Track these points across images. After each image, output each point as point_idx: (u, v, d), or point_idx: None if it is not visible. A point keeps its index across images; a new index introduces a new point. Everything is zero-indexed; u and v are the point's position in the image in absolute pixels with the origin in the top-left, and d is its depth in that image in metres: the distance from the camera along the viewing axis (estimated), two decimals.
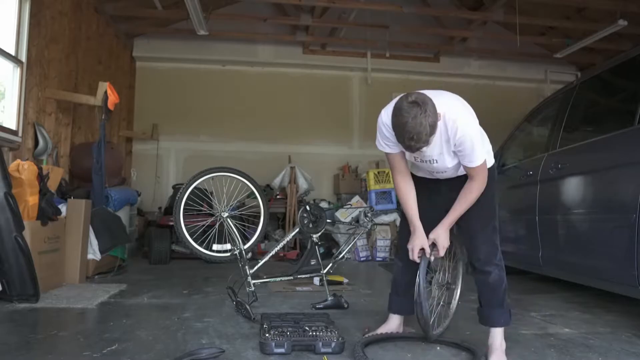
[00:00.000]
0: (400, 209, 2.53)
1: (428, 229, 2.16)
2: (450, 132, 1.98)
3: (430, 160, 2.13)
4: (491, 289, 2.15)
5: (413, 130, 1.83)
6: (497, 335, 2.12)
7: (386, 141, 2.12)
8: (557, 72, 8.08)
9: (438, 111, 1.90)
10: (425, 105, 1.84)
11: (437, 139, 1.99)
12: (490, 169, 2.17)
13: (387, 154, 2.20)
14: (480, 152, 2.03)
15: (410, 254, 2.17)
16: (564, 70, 8.13)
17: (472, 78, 8.22)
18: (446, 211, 2.16)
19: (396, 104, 1.90)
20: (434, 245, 2.16)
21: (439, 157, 2.10)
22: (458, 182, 2.17)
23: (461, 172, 2.17)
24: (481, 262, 2.16)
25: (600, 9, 6.45)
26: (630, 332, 2.57)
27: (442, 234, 2.13)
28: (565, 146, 3.32)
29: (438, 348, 2.21)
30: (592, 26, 6.55)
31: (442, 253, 2.16)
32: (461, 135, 1.97)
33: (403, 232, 2.36)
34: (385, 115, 2.05)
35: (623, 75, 3.09)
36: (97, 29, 6.06)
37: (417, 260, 2.15)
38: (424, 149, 1.96)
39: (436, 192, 2.28)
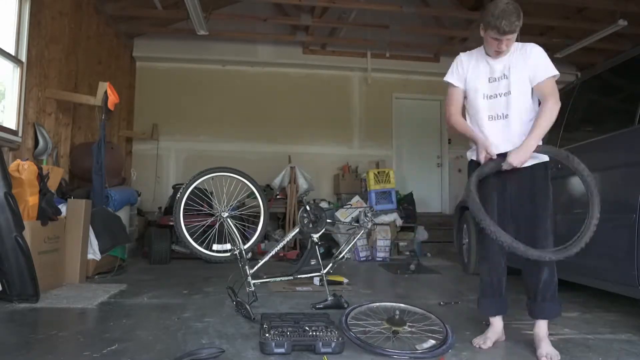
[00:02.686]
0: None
1: (501, 224, 2.23)
2: (526, 46, 2.33)
3: (503, 76, 2.31)
4: (547, 282, 2.29)
5: (507, 9, 2.15)
6: (543, 326, 2.25)
7: (460, 69, 2.42)
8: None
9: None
10: (515, 2, 2.21)
11: (513, 51, 2.32)
12: (545, 165, 2.33)
13: (452, 90, 2.43)
14: (552, 65, 2.32)
15: (482, 158, 2.26)
16: (564, 70, 8.10)
17: None
18: (513, 209, 2.34)
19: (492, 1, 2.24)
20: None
21: (511, 70, 2.29)
22: (521, 179, 2.29)
23: (526, 101, 2.32)
24: (540, 254, 2.21)
25: (600, 9, 6.45)
26: (630, 332, 2.57)
27: (524, 151, 2.21)
28: (565, 146, 3.32)
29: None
30: (592, 26, 6.56)
31: (518, 164, 2.20)
32: (534, 46, 2.33)
33: (481, 237, 2.38)
34: (464, 53, 2.48)
35: (623, 75, 3.09)
36: (97, 29, 6.06)
37: (482, 161, 2.26)
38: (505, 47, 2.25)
39: (502, 189, 2.36)
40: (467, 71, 2.41)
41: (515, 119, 2.29)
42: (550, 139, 3.56)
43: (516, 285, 4.11)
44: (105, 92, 4.80)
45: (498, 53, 2.30)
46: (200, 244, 2.96)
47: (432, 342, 2.21)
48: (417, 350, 2.14)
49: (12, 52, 4.24)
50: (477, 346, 2.28)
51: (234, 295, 2.91)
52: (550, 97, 2.28)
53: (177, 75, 7.74)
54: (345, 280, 4.08)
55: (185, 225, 2.87)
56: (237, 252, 2.94)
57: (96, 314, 2.87)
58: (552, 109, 2.27)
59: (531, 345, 2.28)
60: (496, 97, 2.33)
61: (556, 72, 2.32)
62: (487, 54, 2.37)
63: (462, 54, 2.49)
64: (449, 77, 2.47)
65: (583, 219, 2.99)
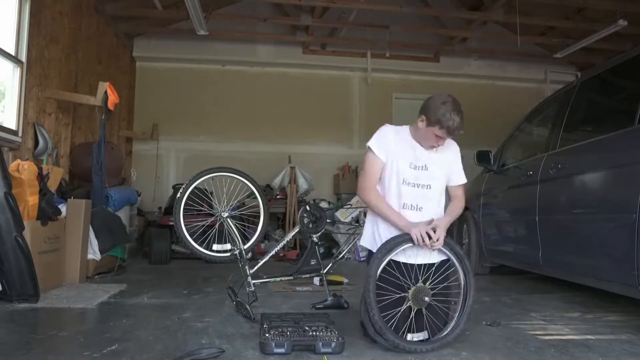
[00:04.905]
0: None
1: None
2: (446, 144, 2.40)
3: (424, 167, 2.37)
4: None
5: (456, 108, 2.24)
6: None
7: (385, 143, 2.39)
8: (557, 72, 8.07)
9: None
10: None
11: (438, 150, 2.39)
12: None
13: (374, 160, 2.40)
14: (463, 171, 2.49)
15: (420, 240, 2.21)
16: (564, 70, 8.12)
17: (472, 78, 8.22)
18: None
19: (436, 96, 2.32)
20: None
21: (433, 165, 2.37)
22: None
23: (440, 197, 2.42)
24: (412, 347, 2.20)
25: (600, 9, 6.45)
26: (630, 332, 2.57)
27: (443, 225, 2.28)
28: (565, 146, 3.32)
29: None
30: (592, 26, 6.55)
31: (440, 243, 2.24)
32: (454, 146, 2.47)
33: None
34: (390, 126, 2.47)
35: (623, 75, 3.09)
36: (97, 29, 6.06)
37: (429, 245, 2.23)
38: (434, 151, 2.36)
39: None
40: (391, 148, 2.38)
41: (428, 212, 2.35)
42: (550, 140, 3.56)
43: (516, 285, 4.13)
44: (105, 92, 4.80)
45: (432, 147, 2.36)
46: (200, 244, 2.96)
47: (425, 334, 2.22)
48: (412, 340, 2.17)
49: (12, 52, 4.23)
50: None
51: (234, 295, 2.91)
52: (460, 201, 2.48)
53: (177, 75, 7.74)
54: (345, 280, 4.07)
55: (185, 225, 2.87)
56: (237, 252, 2.94)
57: (96, 314, 2.87)
58: (460, 209, 2.48)
59: (531, 345, 2.28)
60: (417, 187, 2.35)
61: (465, 180, 2.51)
62: (415, 140, 2.39)
63: (388, 127, 2.46)
64: (373, 145, 2.41)
65: (583, 219, 3.00)
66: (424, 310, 2.23)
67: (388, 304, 2.20)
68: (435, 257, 2.30)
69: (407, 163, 2.36)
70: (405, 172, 2.35)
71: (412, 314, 2.20)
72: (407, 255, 2.27)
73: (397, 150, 2.38)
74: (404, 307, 2.20)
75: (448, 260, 2.32)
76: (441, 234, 2.24)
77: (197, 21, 5.78)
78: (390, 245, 2.25)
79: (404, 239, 2.25)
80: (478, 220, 4.61)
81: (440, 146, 2.36)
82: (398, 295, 2.21)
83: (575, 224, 3.10)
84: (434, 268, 2.28)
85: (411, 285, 2.22)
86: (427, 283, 2.25)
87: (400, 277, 2.22)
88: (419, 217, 2.33)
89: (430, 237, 2.21)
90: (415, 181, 2.35)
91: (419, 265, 2.27)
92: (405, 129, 2.45)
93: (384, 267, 2.24)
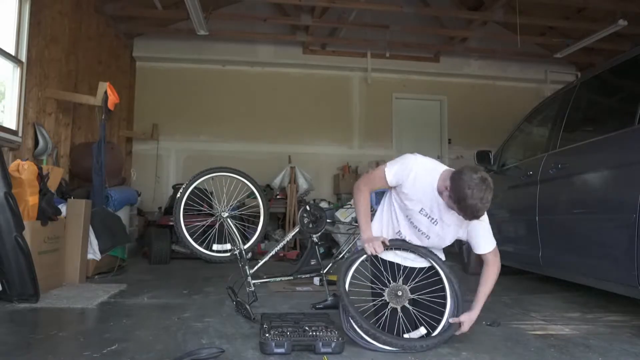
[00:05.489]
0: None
1: None
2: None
3: (433, 220, 2.29)
4: None
5: (482, 204, 2.04)
6: None
7: (404, 178, 2.26)
8: (557, 72, 8.08)
9: None
10: (489, 182, 2.09)
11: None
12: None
13: (382, 177, 2.32)
14: (492, 235, 2.32)
15: (373, 249, 2.29)
16: (564, 70, 8.13)
17: (472, 78, 8.22)
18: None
19: (467, 176, 2.06)
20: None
21: (447, 228, 2.30)
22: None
23: (439, 247, 2.42)
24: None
25: (600, 9, 6.46)
26: (630, 332, 2.57)
27: (474, 316, 2.30)
28: (565, 146, 3.32)
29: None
30: (592, 26, 6.56)
31: (466, 329, 2.27)
32: (482, 221, 2.25)
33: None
34: (422, 162, 2.29)
35: (623, 75, 3.09)
36: (97, 29, 6.06)
37: (379, 252, 2.30)
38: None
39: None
40: (410, 183, 2.26)
41: (431, 243, 2.39)
42: (550, 140, 3.56)
43: (516, 285, 4.12)
44: (105, 92, 4.80)
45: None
46: (200, 244, 2.96)
47: (423, 330, 2.25)
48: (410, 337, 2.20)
49: (12, 52, 4.23)
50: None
51: (234, 295, 2.91)
52: (494, 265, 2.35)
53: (177, 75, 7.74)
54: None
55: (185, 225, 2.87)
56: (237, 252, 2.94)
57: (96, 314, 2.87)
58: (495, 275, 2.36)
59: (531, 345, 2.28)
60: (417, 230, 2.36)
61: (495, 244, 2.35)
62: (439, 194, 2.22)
63: (419, 165, 2.27)
64: (390, 171, 2.29)
65: (583, 219, 3.00)
66: (409, 307, 2.29)
67: (374, 312, 2.32)
68: (419, 264, 2.41)
69: (419, 208, 2.29)
70: (412, 213, 2.31)
71: (399, 313, 2.27)
72: (397, 256, 2.42)
73: (415, 193, 2.27)
74: (387, 309, 2.28)
75: (432, 267, 2.41)
76: (467, 327, 2.27)
77: (197, 21, 5.78)
78: (349, 261, 2.40)
79: (359, 255, 2.39)
80: None
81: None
82: (377, 303, 2.33)
83: (575, 224, 3.10)
84: (415, 272, 2.38)
85: (387, 284, 2.33)
86: (408, 283, 2.34)
87: (384, 272, 2.34)
88: (428, 230, 2.36)
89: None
90: (418, 225, 2.34)
91: (405, 269, 2.39)
92: (436, 173, 2.24)
93: (374, 262, 2.39)
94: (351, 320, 2.18)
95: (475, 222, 2.22)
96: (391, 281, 2.34)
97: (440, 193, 2.21)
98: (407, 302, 2.30)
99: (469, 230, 2.31)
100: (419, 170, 2.26)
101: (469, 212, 2.07)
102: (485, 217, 2.26)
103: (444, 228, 2.30)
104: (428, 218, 2.30)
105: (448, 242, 2.37)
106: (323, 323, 2.32)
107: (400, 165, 2.29)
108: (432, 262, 2.39)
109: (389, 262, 2.39)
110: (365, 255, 2.36)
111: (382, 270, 2.35)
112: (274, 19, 7.22)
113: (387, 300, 2.30)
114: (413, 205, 2.29)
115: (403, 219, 2.38)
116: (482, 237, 2.31)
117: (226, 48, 7.55)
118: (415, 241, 2.39)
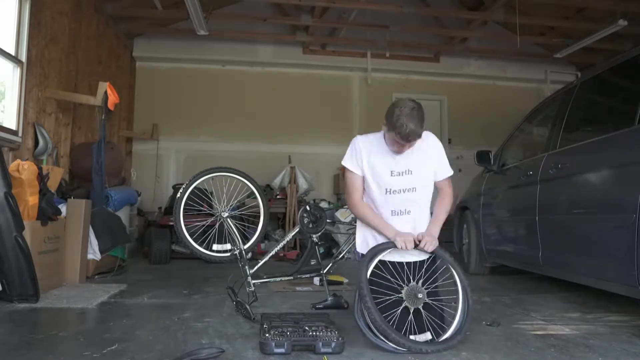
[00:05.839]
0: None
1: None
2: (426, 140, 2.38)
3: (407, 171, 2.36)
4: None
5: (412, 116, 2.17)
6: None
7: (358, 157, 2.40)
8: (557, 72, 8.08)
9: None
10: (420, 106, 2.23)
11: (417, 149, 2.34)
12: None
13: (352, 176, 2.44)
14: (448, 163, 2.47)
15: (404, 244, 2.28)
16: (564, 70, 8.12)
17: (472, 78, 8.22)
18: None
19: (396, 101, 2.25)
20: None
21: (416, 167, 2.36)
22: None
23: (428, 196, 2.44)
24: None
25: (600, 9, 6.45)
26: (630, 332, 2.56)
27: (435, 230, 2.37)
28: (565, 146, 3.32)
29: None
30: (592, 26, 6.56)
31: (431, 248, 2.32)
32: (434, 140, 2.44)
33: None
34: (362, 137, 2.45)
35: (623, 75, 3.09)
36: (97, 29, 6.06)
37: (409, 248, 2.29)
38: (406, 151, 2.32)
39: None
40: (365, 159, 2.40)
41: (416, 215, 2.40)
42: (550, 140, 3.56)
43: (516, 285, 4.12)
44: (105, 92, 4.80)
45: (400, 152, 2.35)
46: (200, 244, 2.96)
47: (429, 335, 2.22)
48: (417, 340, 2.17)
49: (12, 52, 4.24)
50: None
51: (234, 295, 2.91)
52: (448, 195, 2.47)
53: (177, 75, 7.74)
54: (346, 280, 4.07)
55: (185, 225, 2.87)
56: (237, 252, 2.94)
57: (96, 314, 2.87)
58: (450, 204, 2.47)
59: (531, 345, 2.28)
60: (402, 192, 2.38)
61: (452, 172, 2.49)
62: (388, 145, 2.37)
63: (359, 138, 2.46)
64: (347, 163, 2.45)
65: (583, 219, 3.00)
66: (422, 310, 2.24)
67: (384, 308, 2.22)
68: (423, 255, 2.39)
69: (388, 172, 2.38)
70: (387, 182, 2.38)
71: (411, 314, 2.22)
72: (398, 254, 2.36)
73: (373, 161, 2.39)
74: (400, 308, 2.23)
75: (437, 257, 2.40)
76: (428, 240, 2.30)
77: (197, 21, 5.78)
78: (375, 250, 2.34)
79: (388, 245, 2.34)
80: (478, 220, 4.61)
81: (409, 149, 2.33)
82: (393, 298, 2.24)
83: (575, 223, 3.10)
84: (424, 267, 2.34)
85: (404, 285, 2.27)
86: (419, 282, 2.30)
87: (392, 279, 2.28)
88: (409, 219, 2.39)
89: (416, 245, 2.31)
90: (399, 187, 2.38)
91: (409, 265, 2.34)
92: (379, 137, 2.43)
93: (375, 272, 2.30)
94: (365, 311, 2.15)
95: (435, 152, 2.42)
96: (411, 280, 2.30)
97: (386, 139, 2.34)
98: (422, 305, 2.27)
99: (437, 161, 2.44)
100: (361, 138, 2.45)
101: (404, 130, 2.17)
102: (441, 148, 2.46)
103: (420, 173, 2.38)
104: (400, 175, 2.37)
105: (430, 183, 2.44)
106: (323, 323, 2.31)
107: (348, 152, 2.46)
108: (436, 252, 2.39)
109: (392, 263, 2.35)
110: (392, 247, 2.32)
111: (392, 271, 2.31)
112: (274, 19, 7.22)
113: (404, 299, 2.25)
114: (382, 174, 2.37)
115: (386, 196, 2.39)
116: (441, 165, 2.45)
117: (226, 48, 7.55)
118: (410, 205, 2.39)
